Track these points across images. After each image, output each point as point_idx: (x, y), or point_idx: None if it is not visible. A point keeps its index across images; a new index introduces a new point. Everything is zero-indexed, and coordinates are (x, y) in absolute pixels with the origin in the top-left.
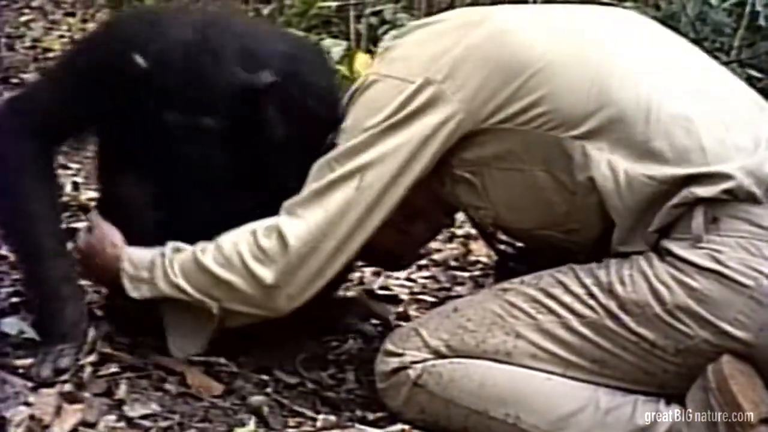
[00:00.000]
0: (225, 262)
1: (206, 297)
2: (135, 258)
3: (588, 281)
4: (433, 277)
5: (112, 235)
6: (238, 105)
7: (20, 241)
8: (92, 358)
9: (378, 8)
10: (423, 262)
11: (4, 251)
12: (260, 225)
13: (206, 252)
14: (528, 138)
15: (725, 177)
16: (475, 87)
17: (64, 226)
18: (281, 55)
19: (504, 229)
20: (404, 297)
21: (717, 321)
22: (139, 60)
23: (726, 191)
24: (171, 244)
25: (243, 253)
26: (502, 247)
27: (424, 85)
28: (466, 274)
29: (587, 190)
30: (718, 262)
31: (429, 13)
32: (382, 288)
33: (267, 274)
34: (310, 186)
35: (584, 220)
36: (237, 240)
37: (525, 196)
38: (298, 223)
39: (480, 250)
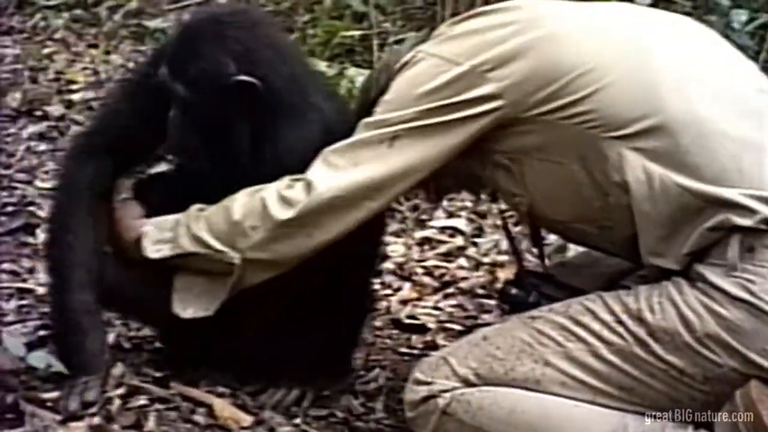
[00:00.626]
0: (248, 209)
1: (228, 247)
2: (159, 221)
3: (617, 308)
4: (460, 306)
5: (138, 208)
6: (212, 91)
7: (50, 269)
8: (121, 390)
9: (401, 37)
10: (450, 290)
11: (30, 284)
12: (288, 177)
13: (233, 203)
14: (567, 133)
15: (763, 202)
16: (521, 80)
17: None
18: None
19: (538, 218)
20: (431, 326)
21: (746, 351)
22: None
23: (764, 221)
24: (195, 206)
25: (266, 198)
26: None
27: (470, 71)
28: (493, 302)
29: (620, 191)
30: (751, 293)
31: None
32: (408, 317)
33: (286, 213)
34: (345, 143)
35: (618, 219)
36: (264, 189)
37: (561, 189)
38: (326, 170)
39: (506, 277)
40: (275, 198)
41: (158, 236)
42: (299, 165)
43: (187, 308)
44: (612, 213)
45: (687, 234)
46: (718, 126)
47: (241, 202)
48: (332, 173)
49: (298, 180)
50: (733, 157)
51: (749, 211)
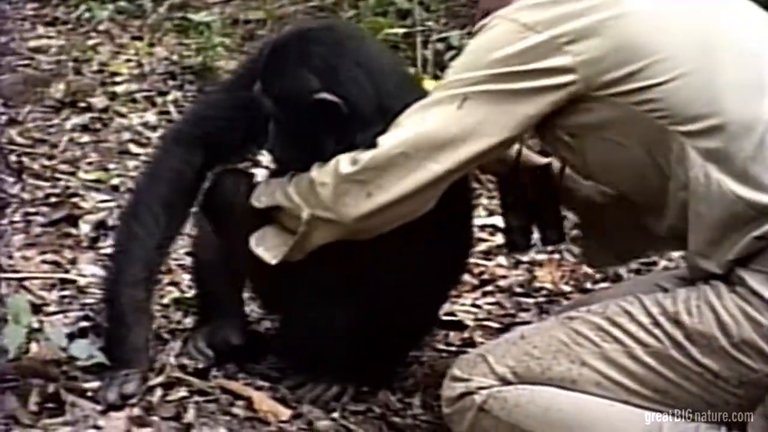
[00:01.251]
0: (325, 168)
1: (303, 202)
2: (269, 180)
3: (654, 310)
4: (498, 304)
5: None
6: (297, 107)
7: (112, 255)
8: (161, 380)
9: (444, 35)
10: (488, 288)
11: (72, 275)
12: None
13: (318, 167)
14: (635, 117)
15: None
16: (597, 57)
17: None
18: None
19: (595, 181)
20: (469, 323)
21: None
22: None
23: None
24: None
25: (340, 158)
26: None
27: (548, 41)
28: (531, 301)
29: (680, 183)
30: None
31: None
32: (447, 314)
33: (350, 169)
34: (417, 104)
35: (672, 206)
36: (343, 156)
37: (621, 167)
38: (393, 129)
39: (545, 277)
40: (347, 157)
41: (264, 190)
42: None
43: (259, 246)
44: (669, 198)
45: (734, 240)
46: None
47: (319, 167)
48: (399, 130)
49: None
50: None
51: None
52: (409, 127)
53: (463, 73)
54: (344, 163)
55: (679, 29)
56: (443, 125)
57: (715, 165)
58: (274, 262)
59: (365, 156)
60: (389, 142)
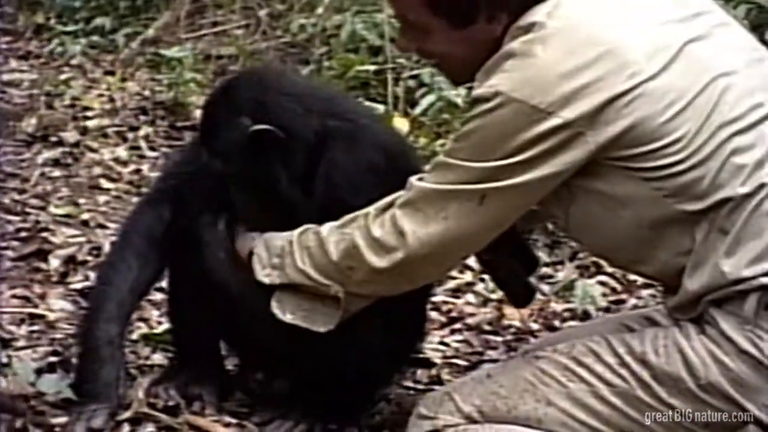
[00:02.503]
0: (343, 250)
1: (332, 281)
2: (269, 241)
3: (621, 350)
4: (466, 341)
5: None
6: (241, 152)
7: (88, 299)
8: (129, 414)
9: (416, 72)
10: (456, 325)
11: (41, 310)
12: (372, 212)
13: (330, 238)
14: (640, 190)
15: None
16: (613, 138)
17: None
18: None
19: (568, 233)
20: (437, 360)
21: (746, 404)
22: None
23: None
24: (299, 230)
25: (357, 239)
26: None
27: (563, 125)
28: (499, 339)
29: (676, 252)
30: (759, 349)
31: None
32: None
33: (381, 262)
34: (432, 182)
35: (655, 265)
36: (353, 228)
37: (605, 228)
38: (415, 219)
39: (513, 315)
40: (367, 241)
41: (267, 260)
42: (356, 184)
43: (286, 313)
44: (644, 254)
45: (716, 296)
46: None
47: (334, 241)
48: (422, 225)
49: (384, 212)
50: None
51: None
52: (433, 222)
53: (476, 162)
54: (368, 251)
55: (688, 105)
56: (468, 224)
57: (712, 242)
58: (324, 330)
59: (389, 244)
60: (415, 239)
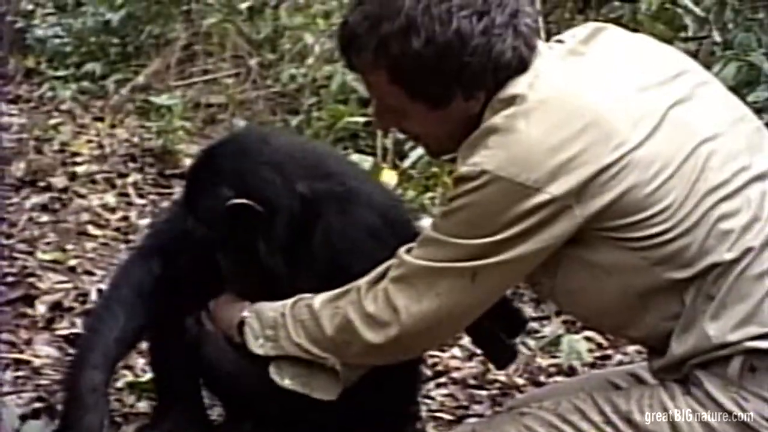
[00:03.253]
0: (337, 325)
1: (328, 354)
2: (261, 312)
3: (606, 409)
4: (451, 395)
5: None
6: (222, 220)
7: (76, 344)
8: None
9: None
10: (442, 379)
11: (27, 356)
12: (364, 286)
13: (323, 312)
14: (628, 258)
15: None
16: (602, 207)
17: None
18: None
19: (552, 300)
20: (422, 414)
21: None
22: None
23: None
24: (291, 301)
25: (350, 315)
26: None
27: (550, 201)
28: (485, 393)
29: (663, 317)
30: (743, 410)
31: None
32: None
33: (375, 338)
34: (423, 259)
35: (641, 328)
36: (346, 302)
37: (590, 295)
38: (407, 294)
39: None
40: (360, 316)
41: (260, 332)
42: (358, 249)
43: (284, 378)
44: (631, 320)
45: (701, 359)
46: (757, 269)
47: (327, 315)
48: (415, 301)
49: (375, 285)
50: (762, 299)
51: (761, 339)
52: (424, 298)
53: (464, 239)
54: (362, 327)
55: (674, 174)
56: (460, 300)
57: (698, 307)
58: (324, 398)
59: (383, 319)
60: (408, 316)
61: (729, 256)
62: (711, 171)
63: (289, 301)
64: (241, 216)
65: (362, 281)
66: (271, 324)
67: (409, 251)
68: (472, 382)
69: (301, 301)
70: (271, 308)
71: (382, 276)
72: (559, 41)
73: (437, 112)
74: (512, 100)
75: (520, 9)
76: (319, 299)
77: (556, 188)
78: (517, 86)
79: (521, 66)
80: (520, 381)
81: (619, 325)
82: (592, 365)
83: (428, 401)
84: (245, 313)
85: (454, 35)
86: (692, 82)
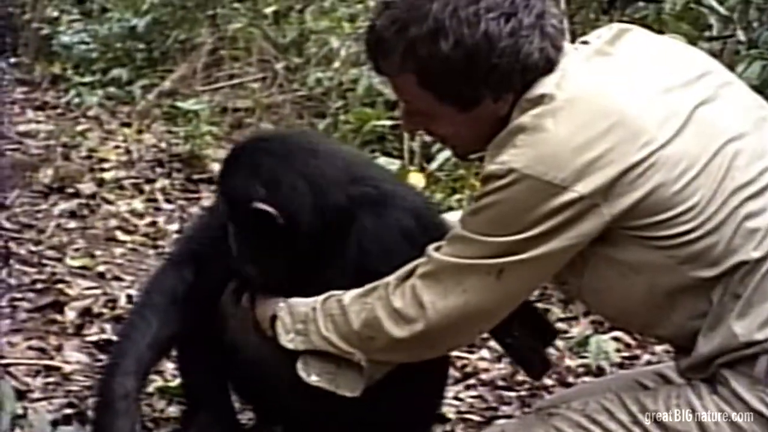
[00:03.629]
0: (363, 320)
1: (355, 349)
2: (293, 308)
3: (634, 408)
4: (480, 397)
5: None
6: (245, 216)
7: (109, 351)
8: None
9: None
10: (471, 381)
11: (57, 362)
12: (392, 282)
13: (351, 307)
14: (655, 258)
15: None
16: (629, 206)
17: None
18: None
19: (579, 299)
20: (451, 416)
21: None
22: None
23: None
24: (323, 297)
25: (377, 310)
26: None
27: (578, 199)
28: (513, 394)
29: (690, 315)
30: None
31: None
32: None
33: (400, 332)
34: (451, 255)
35: (667, 327)
36: (374, 298)
37: (616, 294)
38: (434, 290)
39: None
40: (387, 312)
41: (291, 326)
42: (389, 251)
43: (311, 375)
44: (658, 319)
45: (728, 358)
46: None
47: (355, 310)
48: (441, 297)
49: (403, 281)
50: None
51: None
52: (451, 295)
53: (492, 237)
54: (388, 321)
55: (701, 172)
56: (486, 298)
57: (725, 306)
58: (349, 394)
59: (409, 315)
60: (434, 311)
61: (756, 254)
62: (737, 170)
63: (321, 297)
64: (264, 220)
65: (391, 277)
66: (302, 318)
67: (437, 249)
68: (500, 383)
69: (333, 296)
70: (303, 303)
71: (410, 273)
72: (585, 42)
73: (466, 114)
74: (540, 100)
75: (546, 10)
76: (349, 295)
77: (584, 187)
78: (545, 86)
79: (548, 66)
80: (549, 382)
81: (646, 324)
82: (620, 365)
83: (457, 402)
84: (277, 308)
85: (482, 37)
86: (716, 82)
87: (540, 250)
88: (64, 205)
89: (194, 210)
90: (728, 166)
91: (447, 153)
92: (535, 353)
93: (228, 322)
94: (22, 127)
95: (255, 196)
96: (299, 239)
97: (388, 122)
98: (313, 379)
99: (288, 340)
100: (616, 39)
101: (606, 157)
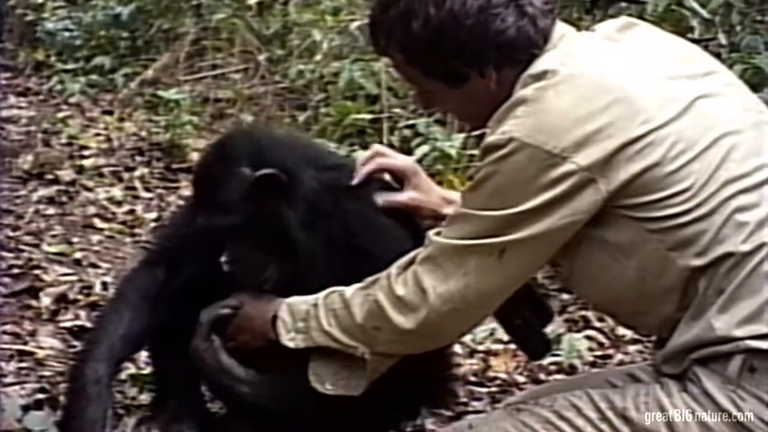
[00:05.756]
0: (367, 311)
1: (358, 343)
2: (293, 306)
3: (602, 405)
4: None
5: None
6: (243, 202)
7: (82, 341)
8: None
9: (412, 122)
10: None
11: (31, 347)
12: (394, 270)
13: (354, 300)
14: (645, 240)
15: None
16: (624, 182)
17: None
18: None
19: (571, 287)
20: (421, 410)
21: None
22: None
23: None
24: (324, 293)
25: (380, 300)
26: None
27: (576, 171)
28: (484, 390)
29: (676, 307)
30: (740, 409)
31: (461, 129)
32: None
33: (407, 323)
34: (451, 237)
35: (654, 318)
36: (376, 288)
37: (607, 281)
38: (435, 275)
39: (500, 367)
40: (390, 300)
41: (292, 325)
42: (373, 229)
43: (326, 384)
44: (645, 307)
45: (702, 354)
46: (766, 266)
47: (358, 303)
48: (442, 281)
49: (405, 269)
50: None
51: (764, 340)
52: (453, 278)
53: (491, 211)
54: (392, 310)
55: (696, 158)
56: (488, 280)
57: (708, 299)
58: (357, 393)
59: (413, 302)
60: (436, 297)
61: (744, 248)
62: (733, 162)
63: (323, 293)
64: (266, 190)
65: (393, 266)
66: (303, 316)
67: (438, 233)
68: (472, 378)
69: (335, 291)
70: (303, 301)
71: (412, 260)
72: (592, 30)
73: (457, 90)
74: (543, 75)
75: None
76: (351, 288)
77: (582, 158)
78: (548, 63)
79: (531, 44)
80: (520, 379)
81: (634, 312)
82: (593, 364)
83: None
84: (277, 307)
85: (447, 15)
86: (720, 81)
87: (539, 226)
88: (43, 192)
89: (173, 199)
90: (724, 156)
91: (426, 148)
92: (536, 334)
93: (204, 363)
94: (3, 113)
95: (248, 177)
96: (300, 196)
97: (369, 116)
98: (329, 389)
99: (289, 339)
100: (625, 28)
101: (605, 131)
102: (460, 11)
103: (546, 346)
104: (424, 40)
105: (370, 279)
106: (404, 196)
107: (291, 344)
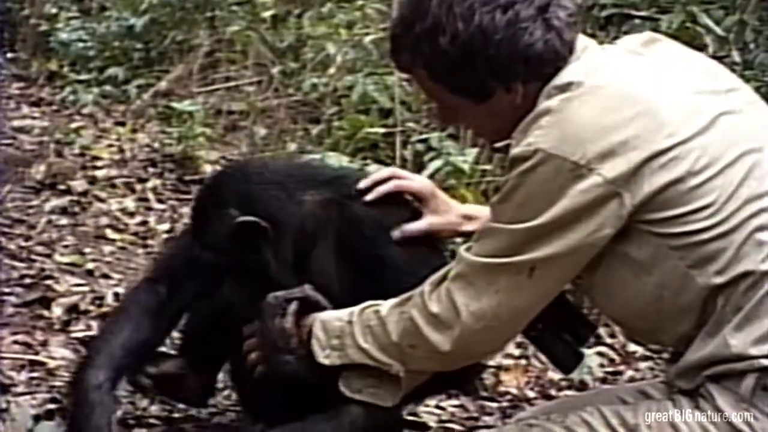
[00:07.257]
0: (403, 330)
1: (394, 361)
2: (327, 322)
3: (614, 421)
4: (462, 406)
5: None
6: (231, 243)
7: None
8: None
9: (425, 136)
10: (453, 390)
11: (42, 357)
12: (428, 287)
13: (389, 318)
14: (665, 257)
15: None
16: (648, 193)
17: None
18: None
19: (588, 298)
20: (432, 424)
21: None
22: None
23: None
24: (358, 308)
25: (416, 318)
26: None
27: (602, 183)
28: (495, 405)
29: (695, 323)
30: (752, 428)
31: (474, 144)
32: (410, 414)
33: (443, 342)
34: (481, 255)
35: (671, 335)
36: (411, 305)
37: (626, 296)
38: (467, 292)
39: (510, 381)
40: (424, 317)
41: (326, 341)
42: (382, 229)
43: (353, 388)
44: (664, 324)
45: (715, 371)
46: None
47: (393, 321)
48: (474, 298)
49: (438, 286)
50: None
51: None
52: (485, 296)
53: (519, 224)
54: (428, 329)
55: (719, 174)
56: (519, 298)
57: (725, 317)
58: (389, 404)
59: (448, 321)
60: (469, 315)
61: (763, 267)
62: (754, 180)
63: (357, 308)
64: (249, 234)
65: (426, 283)
66: (338, 333)
67: (468, 249)
68: (483, 393)
69: (369, 307)
70: (337, 317)
71: (444, 276)
72: (614, 44)
73: (482, 106)
74: (568, 86)
75: (551, 2)
76: (386, 305)
77: (608, 170)
78: (573, 74)
79: (557, 58)
80: (531, 394)
81: (652, 330)
82: (604, 380)
83: (438, 411)
84: (313, 324)
85: (476, 31)
86: (743, 99)
87: (566, 241)
88: (55, 202)
89: (185, 210)
90: (746, 174)
91: (438, 163)
92: (568, 347)
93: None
94: (16, 123)
95: (232, 221)
96: (286, 239)
97: (382, 129)
98: (357, 396)
99: (324, 357)
100: (649, 43)
101: (631, 142)
102: (489, 26)
103: (578, 360)
104: (451, 56)
105: (404, 296)
106: (423, 224)
107: (326, 361)
